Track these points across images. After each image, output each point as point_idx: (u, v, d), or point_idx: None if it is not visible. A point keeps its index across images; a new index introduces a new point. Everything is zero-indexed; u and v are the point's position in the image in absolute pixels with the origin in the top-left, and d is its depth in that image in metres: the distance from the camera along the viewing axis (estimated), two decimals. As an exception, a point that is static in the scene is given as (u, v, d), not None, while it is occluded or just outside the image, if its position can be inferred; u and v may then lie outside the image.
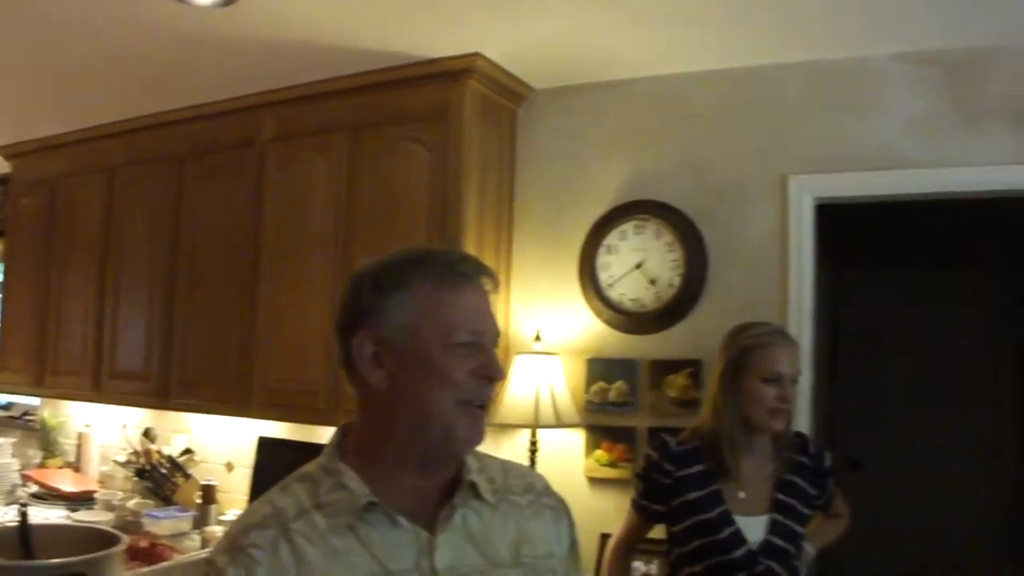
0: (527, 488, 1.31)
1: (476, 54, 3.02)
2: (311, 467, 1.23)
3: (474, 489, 1.22)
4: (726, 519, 2.18)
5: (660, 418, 2.98)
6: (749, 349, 2.24)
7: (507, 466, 1.34)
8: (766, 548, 2.17)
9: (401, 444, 1.18)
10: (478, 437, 1.21)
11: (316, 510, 1.15)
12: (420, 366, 1.16)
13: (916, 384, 5.03)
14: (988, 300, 5.01)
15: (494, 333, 1.23)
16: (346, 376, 1.23)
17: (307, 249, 3.33)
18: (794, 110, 2.99)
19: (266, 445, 3.62)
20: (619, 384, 3.08)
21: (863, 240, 4.55)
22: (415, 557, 1.14)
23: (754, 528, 2.18)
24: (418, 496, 1.20)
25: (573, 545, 1.35)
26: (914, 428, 5.04)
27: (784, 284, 2.93)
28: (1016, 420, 4.93)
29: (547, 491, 1.35)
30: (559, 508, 1.34)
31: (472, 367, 1.18)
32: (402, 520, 1.15)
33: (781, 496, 2.23)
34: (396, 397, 1.18)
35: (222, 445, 3.86)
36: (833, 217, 3.15)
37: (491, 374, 1.20)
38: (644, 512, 2.35)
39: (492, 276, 1.25)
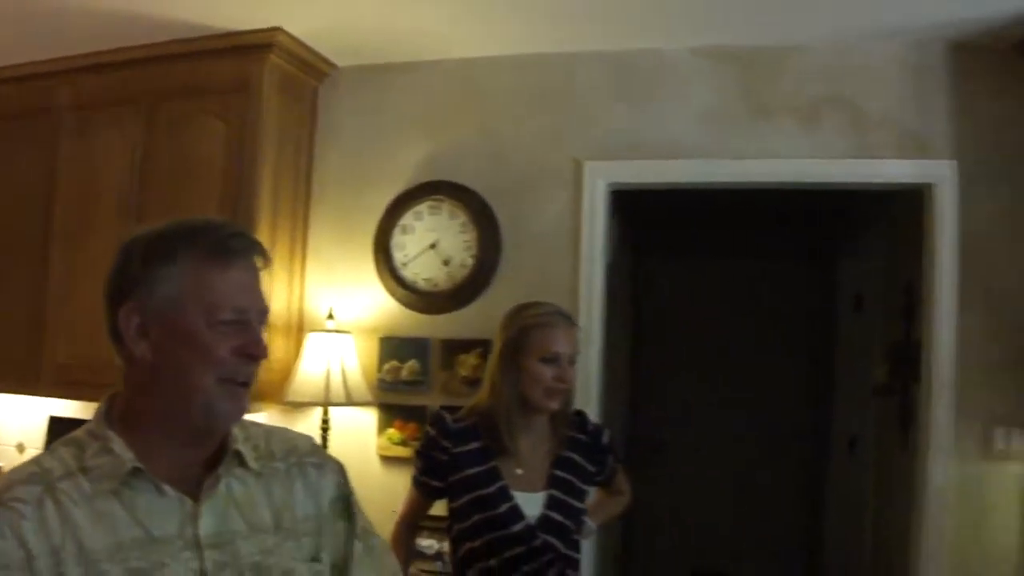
0: (289, 451, 1.31)
1: (277, 28, 2.98)
2: (79, 432, 1.21)
3: (239, 458, 1.23)
4: (504, 495, 2.19)
5: (451, 397, 3.00)
6: (528, 329, 2.25)
7: (271, 432, 1.33)
8: (544, 523, 2.19)
9: (164, 416, 1.18)
10: (239, 414, 1.22)
11: (81, 473, 1.13)
12: (183, 341, 1.16)
13: (716, 369, 5.24)
14: (785, 289, 5.25)
15: (261, 311, 1.23)
16: (114, 347, 1.21)
17: (101, 221, 3.22)
18: (592, 97, 3.06)
19: (58, 424, 3.49)
20: (411, 363, 3.09)
21: (667, 230, 4.70)
22: (179, 525, 1.14)
23: (532, 503, 2.20)
24: (183, 464, 1.19)
25: (341, 498, 1.34)
26: (714, 411, 5.26)
27: (576, 268, 3.00)
28: (809, 405, 5.20)
29: (312, 451, 1.35)
30: (323, 464, 1.34)
31: (235, 345, 1.17)
32: (167, 488, 1.14)
33: (559, 472, 2.26)
34: (159, 370, 1.17)
35: (12, 425, 3.69)
36: (638, 207, 3.24)
37: (254, 353, 1.19)
38: (424, 489, 2.34)
39: (263, 253, 1.24)
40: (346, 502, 1.35)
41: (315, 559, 1.27)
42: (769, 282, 5.21)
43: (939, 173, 2.94)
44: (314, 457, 1.34)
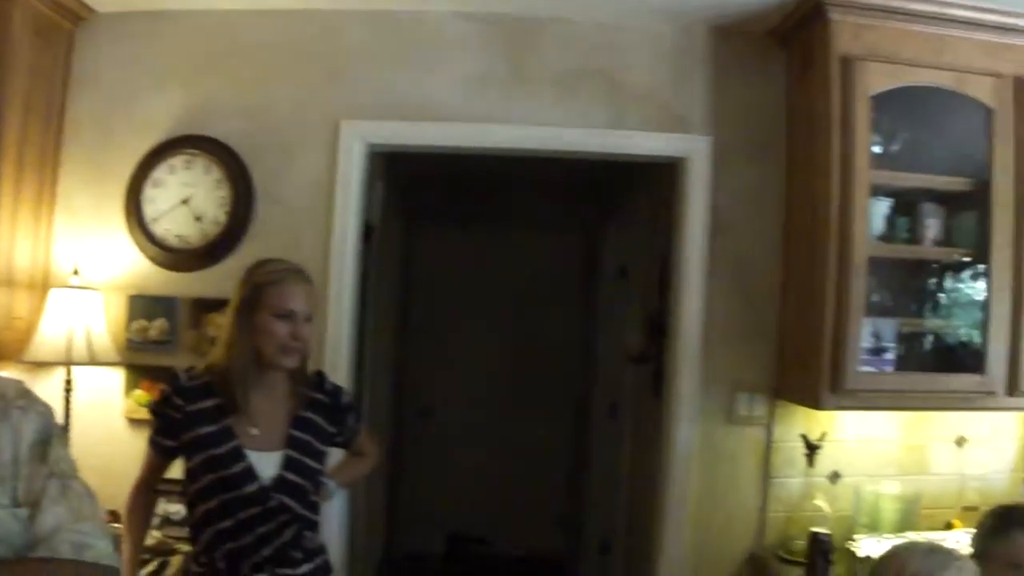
0: None
1: (28, -34, 2.83)
2: None
3: None
4: (237, 454, 2.15)
5: (200, 357, 2.89)
6: (263, 286, 2.22)
7: None
8: (279, 483, 2.16)
9: None
10: None
11: None
12: None
13: (485, 334, 5.34)
14: (556, 258, 5.38)
15: None
16: None
17: None
18: (353, 56, 3.02)
19: None
20: (160, 322, 2.99)
21: (441, 195, 4.71)
22: None
23: (267, 464, 2.17)
24: None
25: (41, 441, 1.30)
26: (482, 377, 5.36)
27: (328, 227, 2.95)
28: (575, 373, 5.34)
29: (19, 395, 1.31)
30: (29, 408, 1.30)
31: None
32: None
33: (296, 432, 2.23)
34: None
35: None
36: (412, 171, 3.21)
37: None
38: (158, 448, 2.27)
39: None
40: (46, 444, 1.31)
41: (17, 503, 1.23)
42: (541, 250, 5.32)
43: (693, 148, 3.04)
44: (21, 400, 1.30)
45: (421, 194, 4.32)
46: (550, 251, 5.31)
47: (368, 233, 3.09)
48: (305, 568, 2.23)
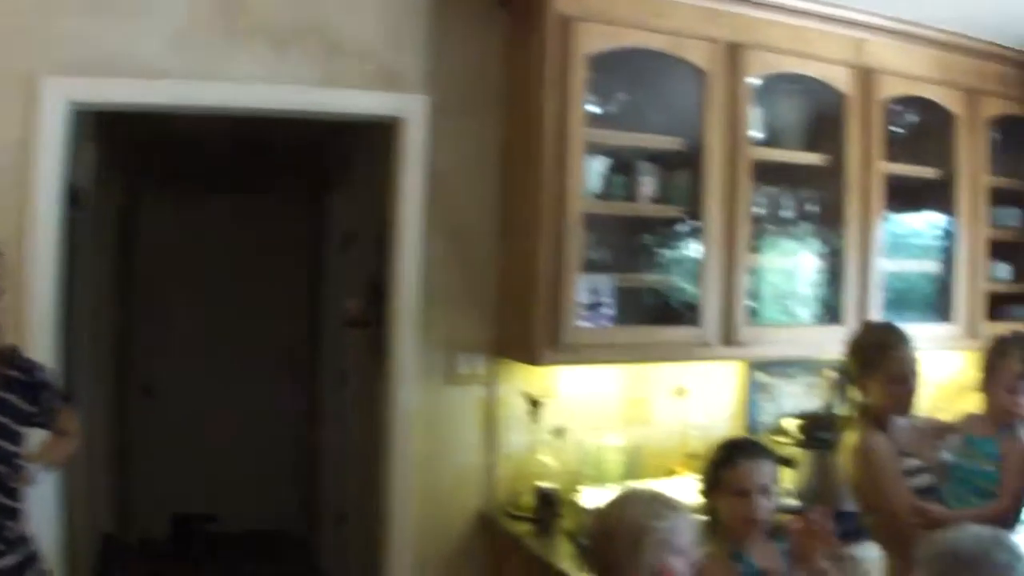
0: None
1: None
2: None
3: None
4: None
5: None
6: None
7: None
8: None
9: None
10: None
11: None
12: None
13: (213, 306, 5.25)
14: (284, 225, 5.34)
15: None
16: None
17: None
18: (52, 6, 2.82)
19: None
20: None
21: (160, 163, 4.56)
22: None
23: None
24: None
25: None
26: (210, 350, 5.26)
27: (27, 194, 2.79)
28: (306, 342, 5.36)
29: None
30: None
31: None
32: None
33: None
34: None
35: None
36: (129, 136, 3.08)
37: None
38: None
39: None
40: None
41: None
42: (268, 217, 5.22)
43: (410, 107, 3.02)
44: None
45: (142, 158, 4.14)
46: (278, 217, 5.20)
47: (76, 199, 2.93)
48: (8, 560, 2.13)
